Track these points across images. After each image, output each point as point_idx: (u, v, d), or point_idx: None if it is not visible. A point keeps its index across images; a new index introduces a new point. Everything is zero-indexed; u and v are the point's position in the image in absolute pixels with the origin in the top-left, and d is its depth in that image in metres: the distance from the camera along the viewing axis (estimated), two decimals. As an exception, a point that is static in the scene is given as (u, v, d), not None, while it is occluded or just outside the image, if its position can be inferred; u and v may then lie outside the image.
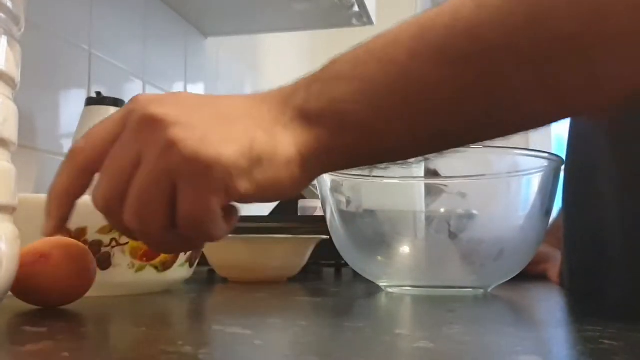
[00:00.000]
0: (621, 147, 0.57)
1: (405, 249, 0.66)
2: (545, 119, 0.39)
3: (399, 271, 0.66)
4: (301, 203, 1.17)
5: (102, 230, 0.53)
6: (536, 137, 2.85)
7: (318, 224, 0.81)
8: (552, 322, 0.52)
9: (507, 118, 0.39)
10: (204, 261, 0.76)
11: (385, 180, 0.66)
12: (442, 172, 0.67)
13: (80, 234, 0.52)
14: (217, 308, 0.59)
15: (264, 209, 1.17)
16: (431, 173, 0.67)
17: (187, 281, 0.66)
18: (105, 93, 0.92)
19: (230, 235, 0.82)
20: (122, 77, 1.15)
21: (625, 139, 0.57)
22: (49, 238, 0.43)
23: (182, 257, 0.60)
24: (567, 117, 0.39)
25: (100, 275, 0.47)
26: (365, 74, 0.37)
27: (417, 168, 0.66)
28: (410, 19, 0.39)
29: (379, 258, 0.65)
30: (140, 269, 0.56)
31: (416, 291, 0.64)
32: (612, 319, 0.45)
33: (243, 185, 0.36)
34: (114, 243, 0.54)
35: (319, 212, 1.04)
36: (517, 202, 0.66)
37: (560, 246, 0.74)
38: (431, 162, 0.66)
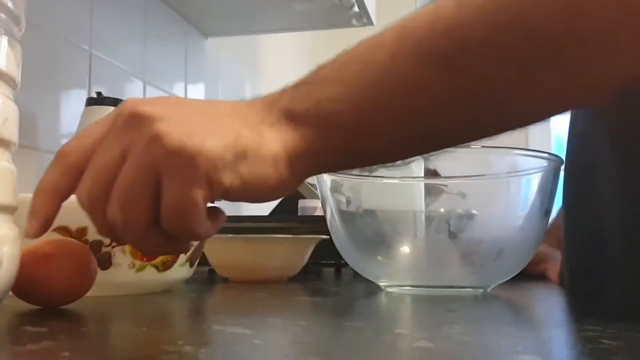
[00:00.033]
0: (621, 147, 0.58)
1: (405, 249, 0.66)
2: (528, 119, 0.39)
3: (399, 271, 0.66)
4: (301, 203, 1.18)
5: (102, 230, 0.53)
6: (536, 137, 2.85)
7: (318, 224, 0.81)
8: (552, 322, 0.52)
9: (490, 118, 0.39)
10: (204, 261, 0.76)
11: (385, 180, 0.66)
12: (442, 172, 0.67)
13: (80, 233, 0.52)
14: (217, 308, 0.59)
15: (264, 209, 1.17)
16: (431, 173, 0.67)
17: (188, 281, 0.66)
18: (105, 93, 0.93)
19: (230, 235, 0.82)
20: (122, 77, 1.15)
21: (625, 139, 0.57)
22: (49, 238, 0.43)
23: (183, 256, 0.60)
24: (550, 116, 0.39)
25: (101, 275, 0.47)
26: (349, 76, 0.38)
27: (417, 168, 0.66)
28: (395, 22, 0.39)
29: (379, 258, 0.65)
30: (140, 268, 0.56)
31: (416, 291, 0.64)
32: (612, 319, 0.45)
33: (227, 178, 0.36)
34: (114, 243, 0.54)
35: (319, 212, 1.04)
36: (516, 202, 0.66)
37: (560, 246, 0.74)
38: (431, 162, 0.66)
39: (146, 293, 0.58)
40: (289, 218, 1.05)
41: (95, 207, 0.37)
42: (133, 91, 1.18)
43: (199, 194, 0.35)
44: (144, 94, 1.22)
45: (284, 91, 0.39)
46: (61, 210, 0.39)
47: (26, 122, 0.88)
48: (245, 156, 0.36)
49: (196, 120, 0.37)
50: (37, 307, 0.45)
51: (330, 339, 0.38)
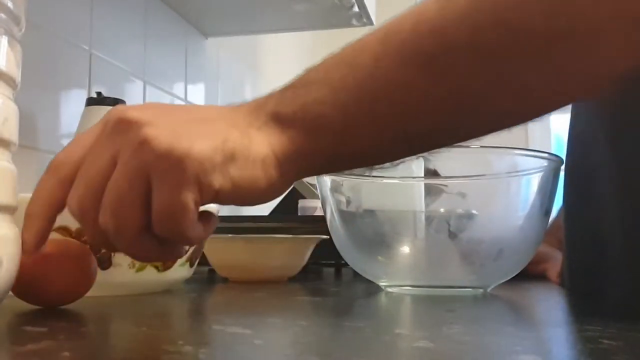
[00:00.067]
0: (621, 148, 0.58)
1: (405, 249, 0.66)
2: (512, 120, 0.40)
3: (399, 271, 0.66)
4: (301, 203, 1.18)
5: (102, 230, 0.53)
6: (536, 137, 2.85)
7: (318, 224, 0.81)
8: (552, 321, 0.52)
9: (477, 118, 0.39)
10: (204, 261, 0.76)
11: (385, 180, 0.66)
12: (442, 172, 0.67)
13: (80, 233, 0.52)
14: (217, 308, 0.59)
15: (264, 209, 1.17)
16: (431, 173, 0.67)
17: (188, 281, 0.66)
18: (105, 93, 0.93)
19: (230, 235, 0.82)
20: (122, 77, 1.15)
21: (625, 139, 0.57)
22: (49, 238, 0.43)
23: (183, 256, 0.60)
24: (534, 117, 0.39)
25: (101, 275, 0.47)
26: (335, 78, 0.38)
27: (417, 168, 0.66)
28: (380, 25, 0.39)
29: (379, 258, 0.65)
30: (140, 268, 0.56)
31: (416, 291, 0.64)
32: (612, 319, 0.45)
33: (217, 180, 0.36)
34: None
35: (319, 212, 1.04)
36: (516, 202, 0.66)
37: (560, 246, 0.74)
38: (431, 162, 0.66)
39: (146, 293, 0.58)
40: (289, 218, 1.05)
41: (86, 214, 0.37)
42: (133, 91, 1.18)
43: (189, 196, 0.35)
44: (144, 94, 1.22)
45: (271, 95, 0.40)
46: (61, 210, 0.39)
47: (26, 122, 0.88)
48: (234, 158, 0.37)
49: (184, 124, 0.37)
50: (37, 307, 0.45)
51: (330, 339, 0.38)
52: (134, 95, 1.18)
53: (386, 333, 0.40)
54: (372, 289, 0.68)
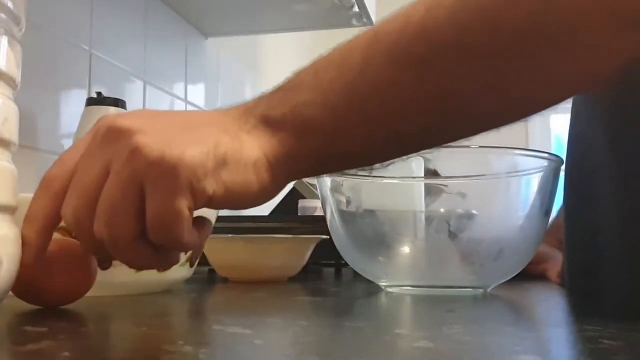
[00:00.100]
0: (621, 148, 0.58)
1: (405, 249, 0.66)
2: (501, 119, 0.40)
3: (398, 271, 0.66)
4: (301, 203, 1.18)
5: (102, 230, 0.53)
6: (536, 137, 2.85)
7: (318, 224, 0.81)
8: (552, 321, 0.52)
9: (464, 119, 0.39)
10: (204, 261, 0.76)
11: (385, 180, 0.66)
12: (442, 172, 0.67)
13: (80, 233, 0.52)
14: (217, 308, 0.59)
15: (264, 209, 1.17)
16: (431, 173, 0.67)
17: (188, 281, 0.66)
18: (105, 93, 0.93)
19: (230, 235, 0.82)
20: (122, 77, 1.15)
21: (625, 139, 0.57)
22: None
23: (183, 256, 0.60)
24: (523, 117, 0.40)
25: (101, 275, 0.47)
26: (324, 80, 0.38)
27: (417, 168, 0.66)
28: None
29: (379, 258, 0.65)
30: (140, 268, 0.56)
31: (416, 291, 0.64)
32: (612, 319, 0.45)
33: (210, 185, 0.36)
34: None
35: (319, 212, 1.04)
36: (516, 202, 0.66)
37: (560, 246, 0.74)
38: (431, 162, 0.66)
39: (146, 293, 0.58)
40: (289, 218, 1.05)
41: (81, 224, 0.37)
42: (133, 91, 1.18)
43: (182, 203, 0.36)
44: (144, 94, 1.22)
45: (261, 98, 0.40)
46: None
47: (26, 122, 0.88)
48: (226, 163, 0.37)
49: (174, 131, 0.37)
50: (37, 307, 0.45)
51: (330, 339, 0.38)
52: (134, 95, 1.19)
53: (386, 333, 0.40)
54: (372, 289, 0.68)
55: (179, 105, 1.37)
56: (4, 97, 0.37)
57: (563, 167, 0.66)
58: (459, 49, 0.36)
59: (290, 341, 0.37)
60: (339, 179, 0.66)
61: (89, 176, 0.37)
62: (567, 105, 0.66)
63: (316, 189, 0.76)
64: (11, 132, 0.38)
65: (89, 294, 0.46)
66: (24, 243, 0.39)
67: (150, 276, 0.57)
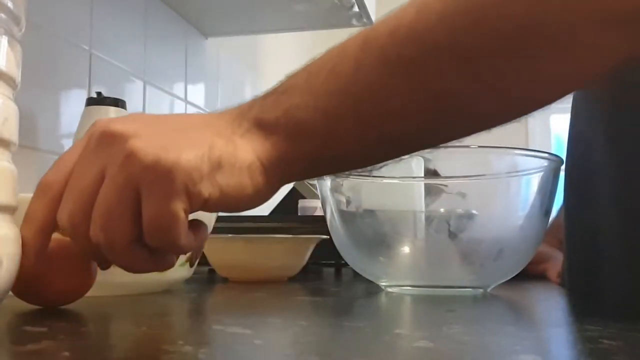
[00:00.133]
0: (620, 147, 0.58)
1: (405, 249, 0.66)
2: (494, 120, 0.40)
3: (399, 271, 0.66)
4: (301, 203, 1.18)
5: (102, 230, 0.53)
6: (536, 137, 2.85)
7: (318, 224, 0.81)
8: (552, 321, 0.52)
9: (458, 120, 0.40)
10: (204, 261, 0.76)
11: (385, 180, 0.66)
12: (442, 172, 0.67)
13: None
14: (217, 308, 0.59)
15: (264, 209, 1.17)
16: (431, 173, 0.67)
17: (188, 281, 0.66)
18: (105, 93, 0.93)
19: (230, 235, 0.82)
20: (122, 77, 1.15)
21: (624, 139, 0.57)
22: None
23: (183, 257, 0.60)
24: (516, 117, 0.40)
25: (101, 275, 0.47)
26: (316, 84, 0.39)
27: (417, 168, 0.66)
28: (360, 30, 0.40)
29: (379, 258, 0.65)
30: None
31: (416, 291, 0.64)
32: (612, 319, 0.45)
33: (206, 189, 0.36)
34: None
35: (319, 212, 1.04)
36: (516, 202, 0.66)
37: (560, 246, 0.74)
38: (431, 162, 0.66)
39: (146, 293, 0.58)
40: (289, 218, 1.05)
41: (77, 229, 0.38)
42: (133, 91, 1.18)
43: (178, 206, 0.36)
44: (144, 94, 1.22)
45: (254, 101, 0.40)
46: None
47: (26, 122, 0.88)
48: (221, 166, 0.37)
49: (169, 135, 0.37)
50: (37, 307, 0.45)
51: (330, 339, 0.38)
52: (134, 95, 1.19)
53: (386, 333, 0.40)
54: (372, 289, 0.68)
55: (179, 105, 1.37)
56: (4, 97, 0.37)
57: (563, 167, 0.66)
58: (450, 51, 0.36)
59: (290, 341, 0.37)
60: (339, 179, 0.66)
61: (84, 181, 0.37)
62: (567, 105, 0.66)
63: (316, 189, 0.76)
64: (11, 132, 0.38)
65: (89, 294, 0.46)
66: (24, 249, 0.39)
67: (150, 276, 0.57)
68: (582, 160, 0.64)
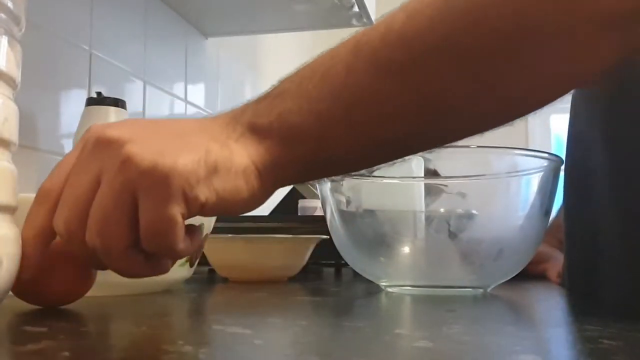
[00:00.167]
0: (619, 148, 0.58)
1: (405, 249, 0.66)
2: (492, 121, 0.40)
3: (399, 271, 0.66)
4: (301, 203, 1.18)
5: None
6: (536, 137, 2.85)
7: (318, 224, 0.81)
8: (552, 321, 0.52)
9: (453, 123, 0.40)
10: (204, 261, 0.76)
11: (385, 180, 0.66)
12: (442, 172, 0.67)
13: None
14: (217, 308, 0.59)
15: (264, 209, 1.17)
16: (431, 173, 0.67)
17: (188, 281, 0.66)
18: (105, 93, 0.93)
19: (230, 235, 0.82)
20: (122, 77, 1.15)
21: (623, 139, 0.57)
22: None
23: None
24: (516, 117, 0.40)
25: (101, 275, 0.47)
26: (309, 89, 0.39)
27: (417, 168, 0.66)
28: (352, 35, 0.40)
29: (380, 258, 0.65)
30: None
31: (416, 291, 0.64)
32: (612, 319, 0.45)
33: (202, 193, 0.36)
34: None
35: (319, 212, 1.04)
36: (516, 202, 0.66)
37: (560, 246, 0.74)
38: (431, 162, 0.66)
39: (146, 293, 0.58)
40: (289, 218, 1.05)
41: (73, 235, 0.38)
42: (133, 91, 1.18)
43: (176, 210, 0.36)
44: (144, 94, 1.22)
45: (247, 105, 0.40)
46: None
47: (26, 122, 0.88)
48: (217, 171, 0.37)
49: (164, 139, 0.38)
50: (37, 307, 0.45)
51: (330, 339, 0.38)
52: (134, 95, 1.19)
53: (386, 333, 0.40)
54: (372, 289, 0.68)
55: (179, 105, 1.37)
56: (4, 97, 0.37)
57: (563, 167, 0.66)
58: (445, 52, 0.37)
59: (290, 341, 0.37)
60: (339, 178, 0.66)
61: (80, 187, 0.37)
62: (567, 105, 0.66)
63: (316, 189, 0.76)
64: (11, 132, 0.38)
65: (89, 294, 0.46)
66: (22, 257, 0.39)
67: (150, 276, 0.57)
68: (581, 160, 0.64)
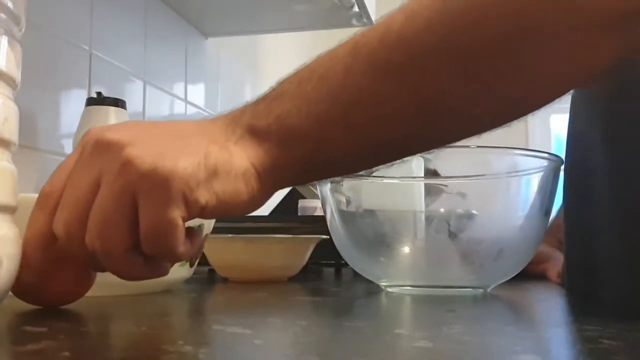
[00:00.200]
0: (619, 147, 0.57)
1: (405, 249, 0.66)
2: (491, 121, 0.41)
3: (398, 271, 0.66)
4: (301, 203, 1.18)
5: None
6: (536, 137, 2.85)
7: (318, 224, 0.81)
8: (552, 321, 0.52)
9: (451, 124, 0.40)
10: (204, 261, 0.76)
11: (385, 180, 0.66)
12: (442, 172, 0.67)
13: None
14: (217, 308, 0.59)
15: (264, 209, 1.17)
16: (431, 173, 0.67)
17: (188, 281, 0.66)
18: (105, 93, 0.93)
19: (230, 235, 0.82)
20: (122, 77, 1.15)
21: (623, 139, 0.57)
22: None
23: (182, 257, 0.60)
24: (514, 118, 0.40)
25: (101, 275, 0.47)
26: (307, 91, 0.39)
27: (417, 168, 0.66)
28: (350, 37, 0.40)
29: (380, 258, 0.65)
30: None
31: (416, 291, 0.64)
32: (612, 319, 0.45)
33: (203, 196, 0.37)
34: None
35: (319, 212, 1.04)
36: (516, 202, 0.66)
37: (560, 246, 0.74)
38: (431, 162, 0.66)
39: (146, 293, 0.58)
40: (289, 218, 1.05)
41: (73, 237, 0.38)
42: (133, 91, 1.18)
43: (176, 213, 0.36)
44: (144, 94, 1.22)
45: (246, 107, 0.40)
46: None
47: (26, 122, 0.88)
48: (217, 173, 0.37)
49: (164, 142, 0.38)
50: (37, 307, 0.45)
51: (330, 339, 0.38)
52: (134, 95, 1.19)
53: (386, 333, 0.40)
54: (372, 289, 0.68)
55: (179, 105, 1.37)
56: (4, 97, 0.37)
57: (563, 167, 0.66)
58: (438, 56, 0.37)
59: (290, 341, 0.37)
60: (339, 178, 0.66)
61: (79, 189, 0.37)
62: (567, 105, 0.66)
63: (316, 189, 0.76)
64: (11, 132, 0.38)
65: (89, 294, 0.46)
66: (25, 261, 0.39)
67: (150, 276, 0.57)
68: (581, 160, 0.64)
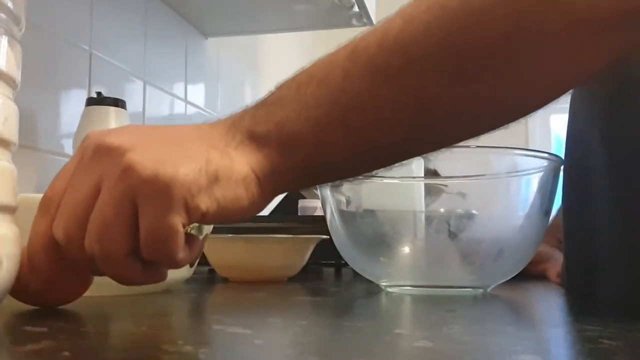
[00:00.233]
0: (618, 147, 0.57)
1: (405, 249, 0.66)
2: (489, 123, 0.41)
3: (399, 271, 0.66)
4: (301, 203, 1.18)
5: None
6: (536, 137, 2.85)
7: (318, 224, 0.81)
8: (552, 321, 0.52)
9: (450, 127, 0.40)
10: (204, 261, 0.76)
11: (385, 180, 0.66)
12: (442, 172, 0.67)
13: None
14: (217, 308, 0.59)
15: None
16: (431, 173, 0.67)
17: (188, 281, 0.66)
18: (105, 93, 0.93)
19: (230, 235, 0.82)
20: (122, 77, 1.15)
21: (622, 139, 0.57)
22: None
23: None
24: (514, 119, 0.40)
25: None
26: (306, 96, 0.39)
27: (417, 168, 0.66)
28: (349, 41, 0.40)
29: (380, 258, 0.65)
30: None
31: (416, 291, 0.64)
32: (612, 319, 0.45)
33: (203, 202, 0.37)
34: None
35: (319, 212, 1.04)
36: (516, 202, 0.66)
37: (560, 246, 0.74)
38: (431, 162, 0.66)
39: (146, 293, 0.58)
40: (289, 218, 1.05)
41: (72, 242, 0.38)
42: (133, 91, 1.18)
43: (176, 219, 0.36)
44: (144, 94, 1.22)
45: (245, 112, 0.40)
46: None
47: (26, 122, 0.88)
48: (218, 179, 0.37)
49: (165, 148, 0.38)
50: (37, 307, 0.45)
51: (330, 339, 0.38)
52: (134, 95, 1.19)
53: (386, 333, 0.40)
54: (372, 289, 0.68)
55: (179, 105, 1.37)
56: (4, 97, 0.37)
57: (562, 166, 0.66)
58: (436, 59, 0.37)
59: (290, 341, 0.37)
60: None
61: (79, 194, 0.37)
62: (567, 105, 0.66)
63: (316, 189, 0.76)
64: (11, 132, 0.38)
65: (88, 294, 0.46)
66: (30, 268, 0.39)
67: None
68: (581, 159, 0.64)
